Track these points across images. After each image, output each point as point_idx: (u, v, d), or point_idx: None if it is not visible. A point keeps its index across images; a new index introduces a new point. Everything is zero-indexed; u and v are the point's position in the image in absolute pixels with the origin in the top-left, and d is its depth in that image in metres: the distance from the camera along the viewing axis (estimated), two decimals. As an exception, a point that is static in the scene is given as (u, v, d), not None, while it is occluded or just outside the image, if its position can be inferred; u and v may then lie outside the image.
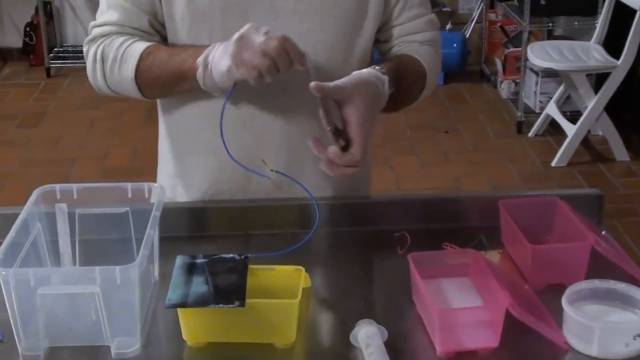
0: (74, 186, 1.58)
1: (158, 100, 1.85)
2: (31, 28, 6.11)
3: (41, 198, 1.57)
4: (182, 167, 1.84)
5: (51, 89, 5.81)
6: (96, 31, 1.74)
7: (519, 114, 5.15)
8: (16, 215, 1.51)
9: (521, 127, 5.14)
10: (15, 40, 6.26)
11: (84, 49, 1.77)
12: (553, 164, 4.71)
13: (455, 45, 5.70)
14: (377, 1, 1.72)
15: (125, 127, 4.97)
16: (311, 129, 1.70)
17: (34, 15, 6.08)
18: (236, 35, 1.55)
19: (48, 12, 6.08)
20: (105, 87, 1.75)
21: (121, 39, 1.71)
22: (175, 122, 1.82)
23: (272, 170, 1.71)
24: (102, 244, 1.59)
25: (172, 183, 1.85)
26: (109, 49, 1.71)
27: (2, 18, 6.30)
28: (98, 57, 1.72)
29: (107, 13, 1.73)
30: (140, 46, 1.69)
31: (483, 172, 4.63)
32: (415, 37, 1.80)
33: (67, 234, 1.58)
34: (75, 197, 1.58)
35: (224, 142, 1.64)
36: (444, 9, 6.02)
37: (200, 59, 1.61)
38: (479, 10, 5.98)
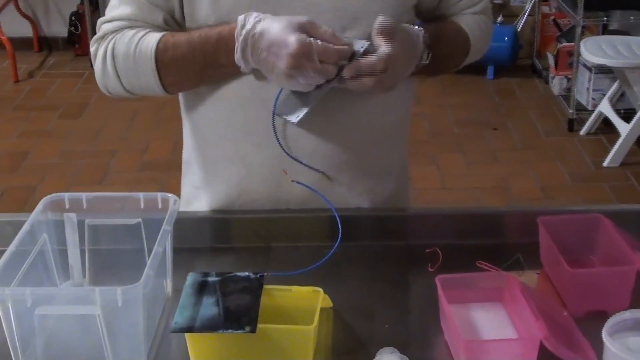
0: (84, 195, 1.50)
1: (182, 108, 1.75)
2: (77, 17, 6.08)
3: (49, 206, 1.48)
4: (209, 178, 1.73)
5: (95, 79, 5.75)
6: (106, 27, 1.63)
7: (571, 111, 4.98)
8: (22, 223, 1.43)
9: (572, 125, 4.98)
10: (60, 29, 6.24)
11: (92, 49, 1.66)
12: (605, 164, 4.55)
13: (506, 38, 5.54)
14: None
15: (166, 120, 4.90)
16: (346, 135, 1.63)
17: (80, 4, 6.05)
18: (285, 65, 1.45)
19: (94, 2, 6.04)
20: (119, 86, 1.64)
21: (133, 31, 1.60)
22: (201, 131, 1.71)
23: (292, 181, 1.60)
24: (113, 255, 1.51)
25: (198, 194, 1.76)
26: (120, 43, 1.60)
27: (48, 7, 6.28)
28: (109, 54, 1.61)
29: (118, 8, 1.62)
30: (155, 36, 1.59)
31: (532, 172, 4.48)
32: (468, 10, 1.75)
33: (76, 245, 1.50)
34: (84, 207, 1.49)
35: (276, 136, 1.58)
36: (496, 2, 5.85)
37: (238, 58, 1.51)
38: (532, 3, 5.81)
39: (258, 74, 1.56)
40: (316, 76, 1.46)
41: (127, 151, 4.75)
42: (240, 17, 1.50)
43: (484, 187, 4.32)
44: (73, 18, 6.10)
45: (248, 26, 1.49)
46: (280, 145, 1.58)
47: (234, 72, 1.57)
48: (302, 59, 1.44)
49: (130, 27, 1.61)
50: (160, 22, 1.61)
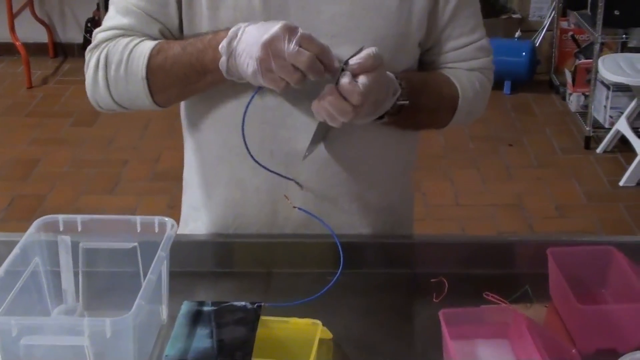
0: (79, 217, 1.46)
1: (184, 127, 1.72)
2: (92, 24, 6.06)
3: (42, 228, 1.44)
4: (206, 199, 1.70)
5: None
6: (100, 36, 1.59)
7: (588, 128, 4.92)
8: (16, 243, 1.39)
9: (589, 143, 4.91)
10: (76, 35, 6.23)
11: (86, 58, 1.60)
12: (621, 183, 4.48)
13: (524, 53, 5.47)
14: (419, 27, 1.57)
15: (179, 129, 4.80)
16: (344, 159, 1.59)
17: (96, 10, 6.03)
18: (265, 38, 1.38)
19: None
20: (108, 98, 1.59)
21: (127, 39, 1.56)
22: (199, 152, 1.68)
23: (294, 208, 1.56)
24: (108, 278, 1.46)
25: (194, 215, 1.73)
26: (113, 51, 1.55)
27: (64, 13, 6.27)
28: (101, 62, 1.56)
29: (114, 18, 1.58)
30: (149, 44, 1.54)
31: (547, 190, 4.42)
32: (461, 64, 1.65)
33: (70, 269, 1.46)
34: (79, 229, 1.45)
35: (245, 144, 1.51)
36: (514, 16, 5.81)
37: (223, 45, 1.45)
38: (550, 18, 5.75)
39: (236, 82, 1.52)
40: (290, 60, 1.39)
41: (139, 160, 4.72)
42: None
43: (499, 205, 4.26)
44: (89, 24, 6.09)
45: (242, 24, 1.45)
46: (252, 157, 1.53)
47: (215, 80, 1.52)
48: (285, 31, 1.38)
49: (125, 36, 1.57)
50: (156, 34, 1.58)
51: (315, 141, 1.53)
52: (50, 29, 6.23)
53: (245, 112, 1.50)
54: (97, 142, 4.93)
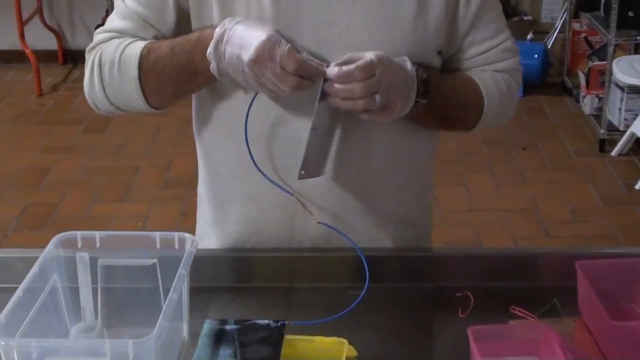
0: (97, 234, 1.42)
1: (196, 141, 1.69)
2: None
3: (60, 244, 1.41)
4: (220, 216, 1.67)
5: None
6: (98, 37, 1.58)
7: (602, 131, 4.88)
8: (34, 260, 1.36)
9: (604, 146, 4.87)
10: (85, 42, 6.07)
11: (86, 58, 1.60)
12: (637, 186, 4.43)
13: (536, 56, 5.44)
14: (436, 36, 1.53)
15: (190, 136, 4.76)
16: (360, 171, 1.55)
17: (105, 17, 5.99)
18: (249, 57, 1.37)
19: (119, 15, 6.01)
20: (104, 100, 1.57)
21: (119, 40, 1.55)
22: (213, 167, 1.66)
23: (318, 223, 1.52)
24: (127, 294, 1.43)
25: (208, 231, 1.69)
26: (107, 52, 1.54)
27: (73, 20, 6.26)
28: (95, 63, 1.55)
29: (113, 21, 1.58)
30: (140, 44, 1.53)
31: (561, 194, 4.38)
32: (487, 67, 1.61)
33: (88, 286, 1.43)
34: (97, 246, 1.42)
35: (249, 150, 1.50)
36: (525, 18, 5.77)
37: (210, 53, 1.44)
38: (562, 20, 5.71)
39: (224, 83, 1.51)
40: (275, 81, 1.38)
41: (150, 168, 4.69)
42: (226, 19, 1.45)
43: (513, 210, 4.22)
44: (98, 31, 6.07)
45: (228, 24, 1.43)
46: (255, 164, 1.51)
47: (207, 80, 1.50)
48: (265, 53, 1.36)
49: (118, 38, 1.56)
50: (150, 39, 1.56)
51: (310, 159, 1.49)
52: (59, 35, 6.22)
53: (246, 118, 1.48)
54: (108, 150, 4.91)
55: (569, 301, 1.49)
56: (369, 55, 1.39)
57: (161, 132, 5.05)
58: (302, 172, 1.48)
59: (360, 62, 1.38)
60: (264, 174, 1.52)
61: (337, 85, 1.39)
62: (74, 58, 6.25)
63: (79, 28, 6.26)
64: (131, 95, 1.55)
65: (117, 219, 4.13)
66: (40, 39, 6.03)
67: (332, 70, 1.39)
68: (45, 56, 5.99)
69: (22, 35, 5.69)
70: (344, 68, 1.38)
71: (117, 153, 4.87)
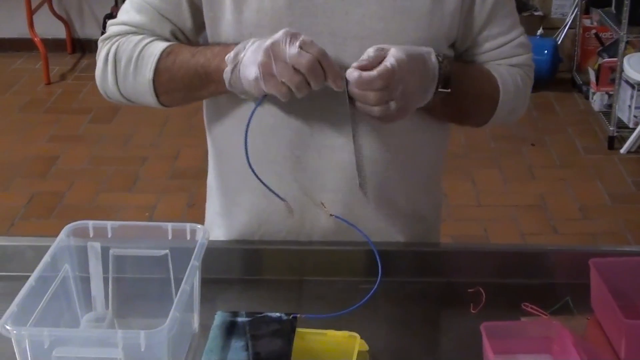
0: (109, 224, 1.42)
1: (207, 133, 1.69)
2: (110, 19, 6.02)
3: (72, 233, 1.41)
4: (230, 206, 1.66)
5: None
6: (113, 29, 1.58)
7: (611, 128, 4.86)
8: (45, 248, 1.36)
9: (613, 143, 4.85)
10: (94, 31, 6.20)
11: (98, 47, 1.60)
12: (646, 184, 4.43)
13: (545, 51, 5.42)
14: (451, 29, 1.52)
15: (198, 127, 4.76)
16: (373, 164, 1.55)
17: (114, 6, 6.00)
18: (267, 43, 1.37)
19: (128, 4, 6.01)
20: (116, 92, 1.57)
21: (138, 37, 1.54)
22: (223, 157, 1.65)
23: (331, 215, 1.52)
24: (138, 284, 1.42)
25: (219, 222, 1.68)
26: (124, 48, 1.54)
27: (82, 9, 6.25)
28: (110, 57, 1.55)
29: (128, 13, 1.57)
30: (161, 45, 1.52)
31: (570, 191, 4.37)
32: (501, 62, 1.60)
33: (99, 276, 1.42)
34: (109, 235, 1.42)
35: (246, 153, 1.48)
36: (536, 13, 5.75)
37: (230, 56, 1.44)
38: (573, 15, 5.69)
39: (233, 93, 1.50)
40: (291, 61, 1.36)
41: (158, 158, 4.69)
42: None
43: (521, 206, 4.21)
44: (107, 20, 6.02)
45: (250, 40, 1.44)
46: (249, 163, 1.49)
47: (217, 90, 1.51)
48: (285, 35, 1.36)
49: (136, 34, 1.56)
50: (167, 35, 1.56)
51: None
52: (68, 24, 6.21)
53: (248, 123, 1.46)
54: (116, 139, 4.90)
55: (582, 299, 1.48)
56: (390, 61, 1.37)
57: (169, 123, 5.04)
58: (360, 181, 1.52)
59: (381, 69, 1.36)
60: (261, 180, 1.51)
61: (354, 89, 1.38)
62: (83, 47, 6.24)
63: (87, 17, 6.25)
64: (143, 93, 1.55)
65: (124, 209, 4.12)
66: (49, 27, 6.02)
67: (353, 74, 1.37)
68: (53, 45, 5.99)
69: (31, 24, 5.68)
70: (364, 75, 1.36)
71: (124, 143, 4.86)
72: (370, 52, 1.39)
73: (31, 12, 5.68)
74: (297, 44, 1.35)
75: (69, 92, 5.59)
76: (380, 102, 1.38)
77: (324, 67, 1.37)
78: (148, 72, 1.52)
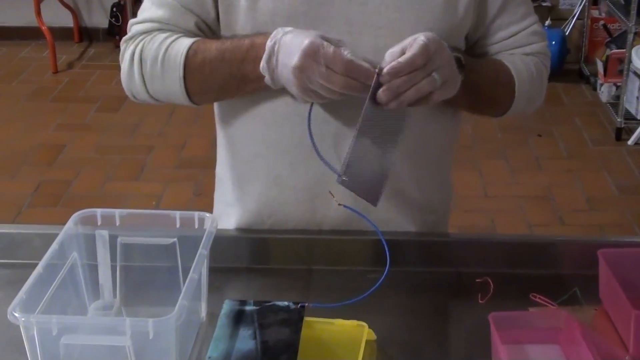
0: (117, 212, 1.42)
1: (217, 122, 1.68)
2: (118, 8, 6.03)
3: (80, 221, 1.41)
4: (240, 195, 1.66)
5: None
6: (136, 28, 1.56)
7: (619, 120, 4.84)
8: (53, 236, 1.36)
9: (620, 134, 4.84)
10: (101, 20, 6.20)
11: (121, 48, 1.58)
12: (654, 176, 4.42)
13: (553, 42, 5.40)
14: (465, 20, 1.52)
15: (205, 116, 4.81)
16: None
17: (121, -5, 6.02)
18: (295, 62, 1.36)
19: (135, -7, 6.00)
20: (144, 93, 1.56)
21: (163, 35, 1.53)
22: (234, 146, 1.64)
23: (340, 205, 1.51)
24: (145, 273, 1.43)
25: (228, 211, 1.68)
26: (150, 47, 1.52)
27: (90, -2, 6.26)
28: (136, 57, 1.53)
29: (149, 9, 1.55)
30: (186, 42, 1.51)
31: (577, 182, 4.36)
32: (515, 51, 1.60)
33: (107, 264, 1.42)
34: (117, 224, 1.42)
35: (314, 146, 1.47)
36: (544, 4, 5.73)
37: (263, 67, 1.43)
38: (581, 6, 5.67)
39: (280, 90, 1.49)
40: (323, 83, 1.36)
41: (165, 147, 4.69)
42: (276, 30, 1.43)
43: (528, 197, 4.20)
44: (114, 9, 6.06)
45: (278, 35, 1.42)
46: (327, 164, 1.48)
47: (257, 88, 1.49)
48: (309, 58, 1.35)
49: (161, 30, 1.54)
50: (192, 27, 1.54)
51: (355, 167, 1.45)
52: (75, 13, 6.21)
53: (309, 124, 1.46)
54: (123, 128, 4.90)
55: (589, 289, 1.47)
56: (421, 39, 1.36)
57: (176, 112, 5.04)
58: (344, 178, 1.43)
59: (416, 49, 1.35)
60: (324, 160, 1.49)
61: (396, 81, 1.35)
62: (90, 36, 6.25)
63: (95, 6, 6.24)
64: (174, 93, 1.54)
65: (131, 197, 4.12)
66: (56, 16, 6.02)
67: (392, 64, 1.35)
68: (61, 33, 5.99)
69: (38, 12, 5.69)
70: (402, 59, 1.34)
71: (131, 132, 4.86)
72: (394, 49, 1.38)
73: (38, 1, 5.68)
74: (323, 63, 1.34)
75: (76, 80, 5.59)
76: (426, 76, 1.36)
77: (354, 76, 1.36)
78: (178, 70, 1.50)
